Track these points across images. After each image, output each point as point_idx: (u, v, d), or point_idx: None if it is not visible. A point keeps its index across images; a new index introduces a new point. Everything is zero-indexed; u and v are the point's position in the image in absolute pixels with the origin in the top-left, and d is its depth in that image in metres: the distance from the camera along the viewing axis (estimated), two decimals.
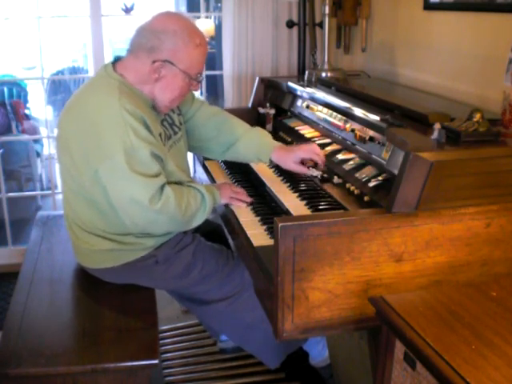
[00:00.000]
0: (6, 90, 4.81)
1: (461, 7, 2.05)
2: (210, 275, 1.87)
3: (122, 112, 1.61)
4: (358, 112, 1.86)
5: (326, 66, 2.55)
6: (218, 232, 2.14)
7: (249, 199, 1.91)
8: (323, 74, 2.50)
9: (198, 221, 1.79)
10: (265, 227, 1.73)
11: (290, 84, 2.44)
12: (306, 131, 2.20)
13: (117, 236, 1.78)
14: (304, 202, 1.73)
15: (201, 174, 2.45)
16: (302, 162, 1.91)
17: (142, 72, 1.71)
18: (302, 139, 2.17)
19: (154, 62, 1.68)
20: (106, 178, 1.63)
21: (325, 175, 1.85)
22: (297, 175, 1.96)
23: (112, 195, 1.65)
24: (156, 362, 1.55)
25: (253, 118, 2.64)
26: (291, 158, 1.91)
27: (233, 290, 1.89)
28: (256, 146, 1.99)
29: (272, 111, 2.52)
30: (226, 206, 1.94)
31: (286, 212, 1.71)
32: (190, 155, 3.09)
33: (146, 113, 1.69)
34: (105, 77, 1.74)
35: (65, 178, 1.80)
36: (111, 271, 1.83)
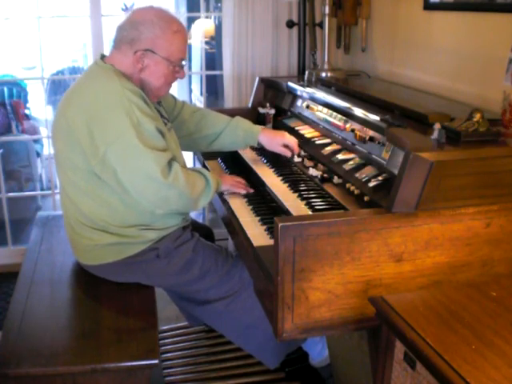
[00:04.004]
0: (5, 90, 4.80)
1: (461, 7, 2.05)
2: (210, 273, 1.88)
3: (125, 91, 1.69)
4: (358, 112, 1.86)
5: (326, 66, 2.55)
6: (209, 234, 2.22)
7: (250, 190, 2.01)
8: (323, 74, 2.50)
9: (203, 202, 1.85)
10: (265, 227, 1.73)
11: (290, 84, 2.44)
12: (306, 131, 2.20)
13: (119, 229, 1.80)
14: (304, 202, 1.73)
15: None
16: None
17: (126, 64, 1.79)
18: (302, 139, 2.18)
19: (135, 52, 1.77)
20: (115, 159, 1.67)
21: (325, 175, 1.85)
22: (297, 175, 1.97)
23: (123, 175, 1.68)
24: (156, 362, 1.55)
25: (253, 117, 2.64)
26: (278, 141, 2.12)
27: (232, 289, 1.89)
28: (243, 133, 2.16)
29: (272, 111, 2.52)
30: (223, 199, 1.98)
31: (286, 212, 1.71)
32: (189, 155, 3.10)
33: None
34: (98, 67, 1.81)
35: (67, 173, 1.81)
36: (112, 267, 1.84)
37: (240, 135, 2.16)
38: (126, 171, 1.68)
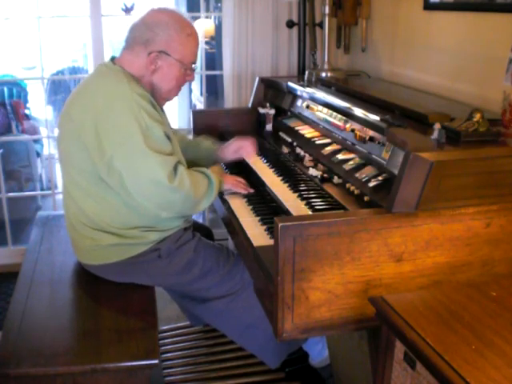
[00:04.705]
0: (5, 89, 4.80)
1: (461, 7, 2.05)
2: (211, 272, 1.88)
3: (134, 96, 1.68)
4: (358, 112, 1.86)
5: (326, 66, 2.55)
6: (208, 235, 2.21)
7: (251, 190, 2.01)
8: (323, 74, 2.50)
9: (206, 203, 1.86)
10: (265, 227, 1.73)
11: (290, 84, 2.44)
12: (306, 131, 2.20)
13: (122, 230, 1.80)
14: (304, 202, 1.73)
15: None
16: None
17: (138, 65, 1.79)
18: (302, 139, 2.18)
19: (149, 53, 1.77)
20: (122, 163, 1.66)
21: (325, 175, 1.85)
22: (297, 175, 1.97)
23: (129, 179, 1.68)
24: (156, 362, 1.55)
25: (253, 117, 2.64)
26: (230, 148, 2.16)
27: (233, 288, 1.89)
28: (205, 151, 2.19)
29: (272, 111, 2.52)
30: (223, 199, 1.98)
31: (286, 212, 1.71)
32: None
33: None
34: (107, 69, 1.80)
35: (71, 173, 1.80)
36: (113, 267, 1.84)
37: (204, 156, 2.18)
38: (132, 176, 1.68)
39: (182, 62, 1.81)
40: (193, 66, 1.87)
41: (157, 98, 1.82)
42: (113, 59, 1.85)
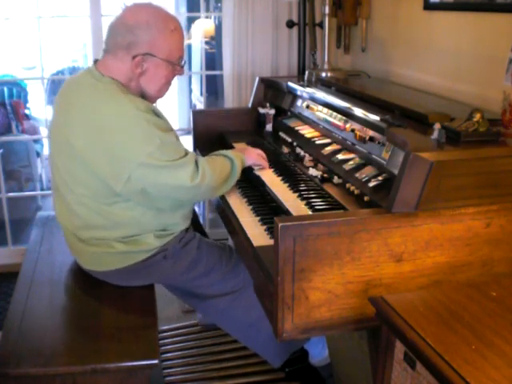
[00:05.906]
0: (6, 89, 4.80)
1: (461, 7, 2.05)
2: (214, 269, 1.89)
3: (139, 113, 1.63)
4: (358, 112, 1.86)
5: (326, 66, 2.55)
6: (203, 233, 2.20)
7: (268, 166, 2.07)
8: (323, 74, 2.50)
9: (230, 184, 1.89)
10: (265, 227, 1.73)
11: (290, 84, 2.44)
12: (306, 131, 2.20)
13: (130, 238, 1.77)
14: (304, 202, 1.73)
15: None
16: None
17: (124, 70, 1.73)
18: (302, 139, 2.18)
19: (134, 57, 1.70)
20: (143, 180, 1.65)
21: (325, 175, 1.85)
22: (297, 175, 1.97)
23: (153, 191, 1.68)
24: (156, 362, 1.55)
25: (253, 117, 2.64)
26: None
27: (236, 286, 1.90)
28: None
29: (272, 111, 2.52)
30: (224, 201, 1.98)
31: (286, 212, 1.71)
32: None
33: None
34: (97, 81, 1.71)
35: (76, 192, 1.73)
36: (118, 273, 1.82)
37: None
38: (156, 187, 1.67)
39: (169, 60, 1.75)
40: (180, 60, 1.81)
41: (148, 99, 1.78)
42: (96, 62, 1.78)
